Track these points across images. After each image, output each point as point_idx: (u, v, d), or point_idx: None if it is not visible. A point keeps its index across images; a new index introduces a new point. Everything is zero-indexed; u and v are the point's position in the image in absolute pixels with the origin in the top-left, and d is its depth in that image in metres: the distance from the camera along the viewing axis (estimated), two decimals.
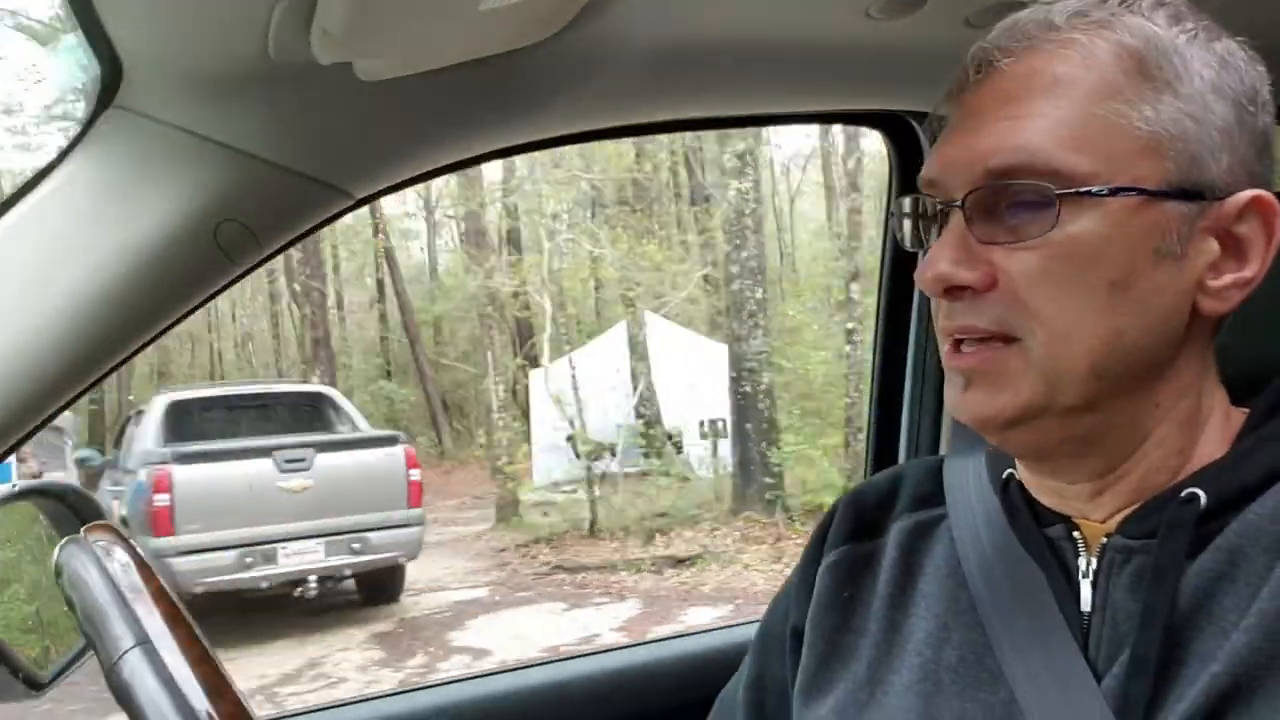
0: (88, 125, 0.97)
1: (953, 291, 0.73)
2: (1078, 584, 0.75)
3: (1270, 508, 0.70)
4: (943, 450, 1.48)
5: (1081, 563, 0.75)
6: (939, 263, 0.72)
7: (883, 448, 1.57)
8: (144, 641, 0.57)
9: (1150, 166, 0.70)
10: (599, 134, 1.25)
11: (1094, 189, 0.69)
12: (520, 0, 0.85)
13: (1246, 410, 0.78)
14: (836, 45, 1.14)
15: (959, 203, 0.72)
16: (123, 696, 0.57)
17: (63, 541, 0.65)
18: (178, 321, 1.04)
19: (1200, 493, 0.71)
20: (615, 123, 1.23)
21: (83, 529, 0.66)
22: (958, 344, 0.74)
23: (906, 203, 0.80)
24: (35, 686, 1.00)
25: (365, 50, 0.88)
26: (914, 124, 1.44)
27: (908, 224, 0.81)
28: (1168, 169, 0.70)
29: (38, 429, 1.02)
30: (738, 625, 1.64)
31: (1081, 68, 0.71)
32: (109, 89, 0.95)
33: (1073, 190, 0.69)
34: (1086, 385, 0.71)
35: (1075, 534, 0.76)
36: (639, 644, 1.62)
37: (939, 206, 0.75)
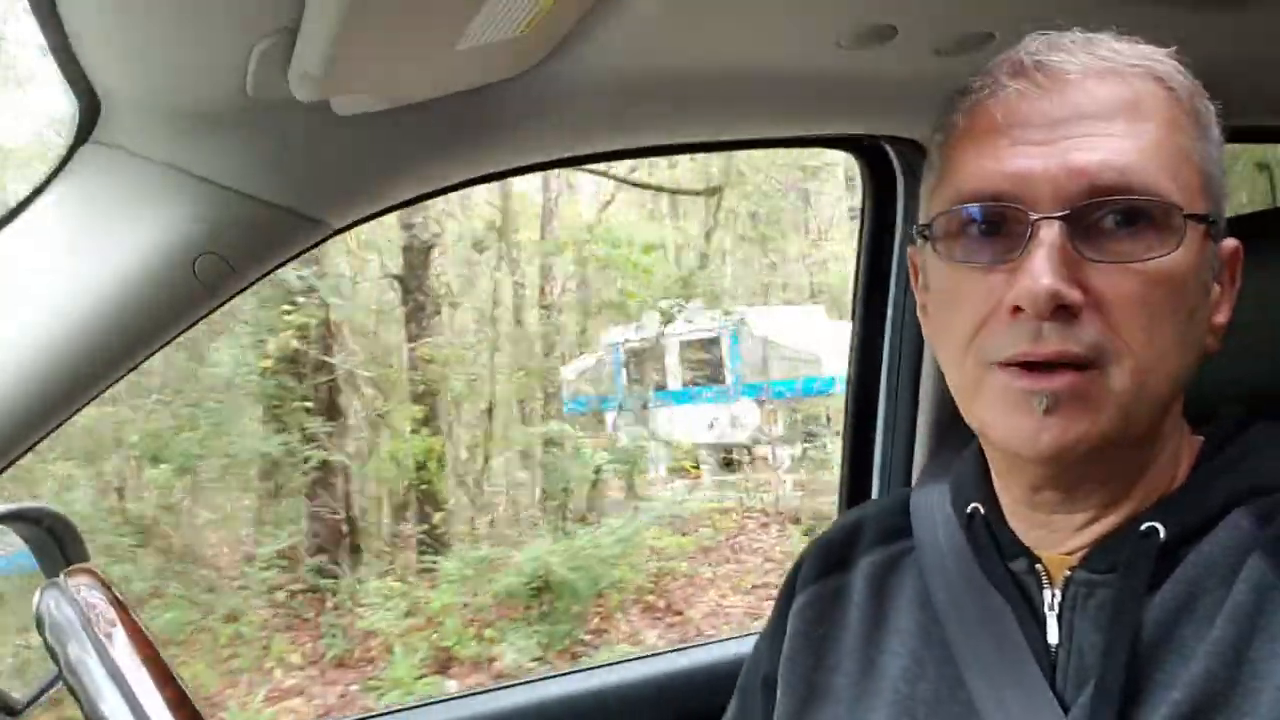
0: (65, 159, 0.97)
1: (1058, 311, 0.68)
2: (1043, 617, 0.76)
3: (1224, 538, 0.72)
4: (914, 481, 1.48)
5: (1046, 596, 0.77)
6: (1044, 278, 0.67)
7: (856, 481, 1.58)
8: (127, 694, 0.58)
9: (1206, 203, 0.72)
10: (576, 160, 1.26)
11: (1204, 214, 0.70)
12: (496, 40, 0.87)
13: (1201, 438, 0.79)
14: (808, 75, 1.16)
15: (1063, 215, 0.69)
16: None
17: (43, 585, 0.66)
18: (155, 352, 1.05)
19: (1159, 526, 0.73)
20: (593, 149, 1.24)
21: (62, 573, 0.67)
22: (1029, 366, 0.70)
23: (975, 210, 0.73)
24: (11, 713, 1.00)
25: (343, 89, 0.89)
26: (887, 148, 1.45)
27: (948, 241, 0.75)
28: (1210, 207, 0.72)
29: (17, 459, 1.02)
30: (731, 640, 1.65)
31: (1157, 95, 0.72)
32: (87, 123, 0.95)
33: (1195, 214, 0.69)
34: (1154, 416, 0.71)
35: (1037, 566, 0.78)
36: (634, 659, 1.62)
37: (1031, 220, 0.69)
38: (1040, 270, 0.68)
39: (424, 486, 6.33)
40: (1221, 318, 0.76)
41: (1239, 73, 0.99)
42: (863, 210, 1.53)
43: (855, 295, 1.55)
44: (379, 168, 1.07)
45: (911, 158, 1.40)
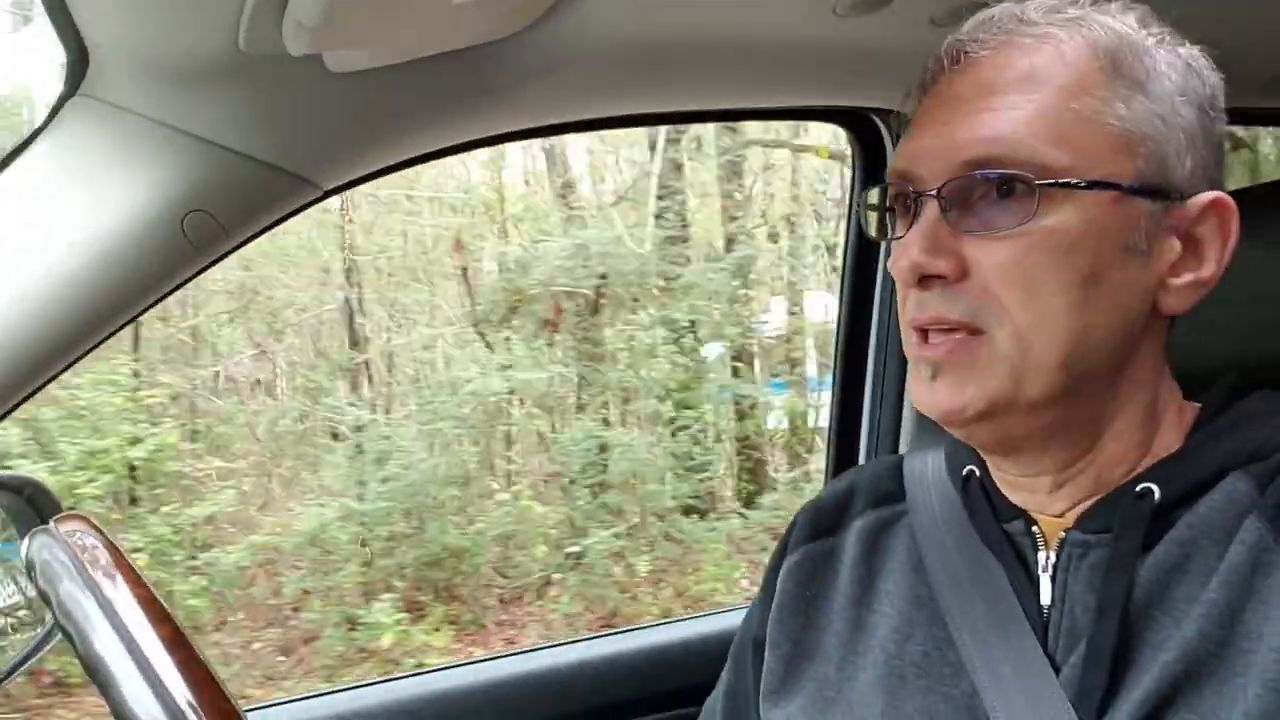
0: (53, 112, 0.96)
1: (925, 281, 0.73)
2: (1037, 578, 0.77)
3: (1220, 501, 0.72)
4: (903, 449, 1.49)
5: (1040, 557, 0.77)
6: (912, 251, 0.72)
7: (843, 447, 1.58)
8: (123, 632, 0.57)
9: (1122, 164, 0.71)
10: (568, 127, 1.25)
11: (1072, 181, 0.69)
12: None
13: (1199, 405, 0.80)
14: (803, 43, 1.15)
15: (934, 192, 0.72)
16: (103, 684, 0.57)
17: (33, 531, 0.65)
18: (143, 312, 1.03)
19: (1154, 487, 0.73)
20: (584, 116, 1.23)
21: (52, 520, 0.66)
22: (925, 335, 0.74)
23: (875, 193, 0.80)
24: None
25: (339, 42, 0.88)
26: (877, 120, 1.45)
27: (874, 216, 0.81)
28: (1138, 167, 0.71)
29: (2, 418, 1.00)
30: (727, 612, 1.66)
31: (1057, 62, 0.72)
32: (75, 76, 0.94)
33: (1051, 181, 0.69)
34: (1053, 379, 0.72)
35: (1034, 529, 0.78)
36: (623, 631, 1.63)
37: (912, 196, 0.74)
38: (908, 244, 0.73)
39: (798, 436, 7.62)
40: (1190, 276, 0.74)
41: (1245, 53, 0.98)
42: (853, 182, 1.54)
43: (844, 266, 1.56)
44: (372, 128, 1.06)
45: (903, 131, 1.40)
